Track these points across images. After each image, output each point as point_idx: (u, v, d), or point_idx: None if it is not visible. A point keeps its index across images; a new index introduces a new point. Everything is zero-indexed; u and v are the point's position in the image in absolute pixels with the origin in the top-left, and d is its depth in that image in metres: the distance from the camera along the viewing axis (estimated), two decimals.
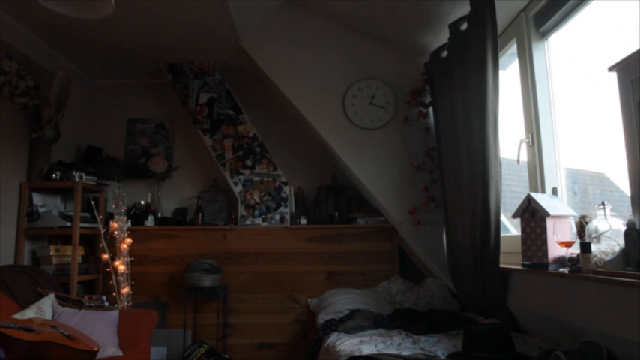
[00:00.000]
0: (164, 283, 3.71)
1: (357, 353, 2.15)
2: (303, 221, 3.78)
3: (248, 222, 3.74)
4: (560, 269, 1.96)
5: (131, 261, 3.48)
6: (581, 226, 1.98)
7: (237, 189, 3.78)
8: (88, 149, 3.94)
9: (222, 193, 4.00)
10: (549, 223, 2.05)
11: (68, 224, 3.29)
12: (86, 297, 3.17)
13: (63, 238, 3.47)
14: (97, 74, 4.15)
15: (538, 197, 2.12)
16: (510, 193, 2.95)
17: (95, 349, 2.34)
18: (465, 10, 2.62)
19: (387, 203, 3.36)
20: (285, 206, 3.76)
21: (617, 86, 1.71)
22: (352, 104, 3.42)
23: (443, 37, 2.99)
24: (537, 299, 2.13)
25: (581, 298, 1.82)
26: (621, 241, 1.73)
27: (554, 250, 2.05)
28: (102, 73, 4.13)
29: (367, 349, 2.20)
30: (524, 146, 2.51)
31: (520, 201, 2.20)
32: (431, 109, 3.30)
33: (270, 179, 3.80)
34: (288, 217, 3.74)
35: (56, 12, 2.11)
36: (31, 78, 3.18)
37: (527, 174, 2.53)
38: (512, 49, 2.68)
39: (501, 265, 2.37)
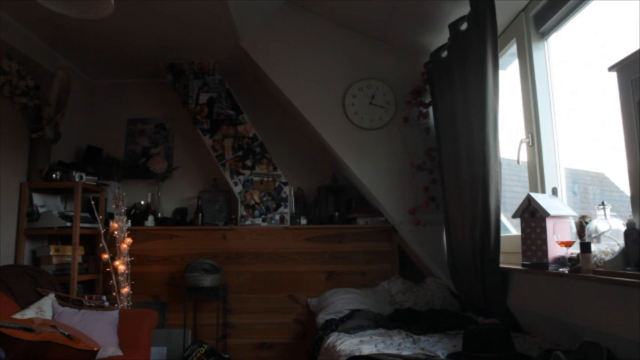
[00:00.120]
0: (164, 283, 3.71)
1: (357, 353, 2.15)
2: (303, 221, 3.77)
3: (248, 222, 3.74)
4: (560, 269, 1.96)
5: (131, 261, 3.49)
6: (581, 226, 1.98)
7: (237, 189, 3.78)
8: (88, 149, 3.94)
9: (222, 193, 4.00)
10: (549, 223, 2.05)
11: (68, 224, 3.29)
12: (86, 297, 3.17)
13: (63, 238, 3.48)
14: (97, 74, 4.15)
15: (538, 197, 2.12)
16: (510, 193, 2.95)
17: (95, 349, 2.34)
18: (465, 10, 2.61)
19: (387, 203, 3.36)
20: (285, 206, 3.76)
21: (617, 86, 1.71)
22: (352, 104, 3.42)
23: (443, 37, 2.99)
24: (537, 299, 2.13)
25: (581, 298, 1.82)
26: (621, 241, 1.72)
27: (554, 250, 2.05)
28: (102, 73, 4.13)
29: (367, 349, 2.20)
30: (524, 146, 2.51)
31: (520, 201, 2.20)
32: (431, 109, 3.30)
33: (270, 179, 3.80)
34: (288, 217, 3.74)
35: (56, 12, 2.11)
36: (31, 78, 3.18)
37: (527, 174, 2.53)
38: (512, 49, 2.67)
39: (501, 265, 2.37)
